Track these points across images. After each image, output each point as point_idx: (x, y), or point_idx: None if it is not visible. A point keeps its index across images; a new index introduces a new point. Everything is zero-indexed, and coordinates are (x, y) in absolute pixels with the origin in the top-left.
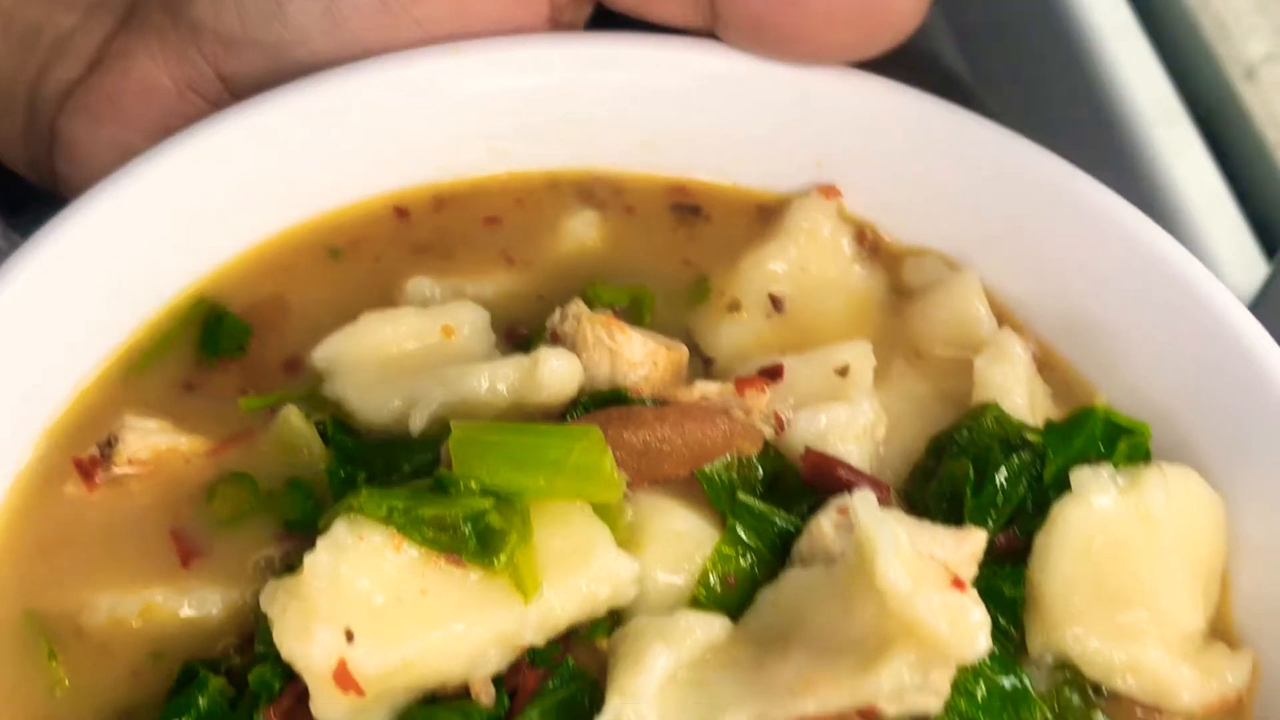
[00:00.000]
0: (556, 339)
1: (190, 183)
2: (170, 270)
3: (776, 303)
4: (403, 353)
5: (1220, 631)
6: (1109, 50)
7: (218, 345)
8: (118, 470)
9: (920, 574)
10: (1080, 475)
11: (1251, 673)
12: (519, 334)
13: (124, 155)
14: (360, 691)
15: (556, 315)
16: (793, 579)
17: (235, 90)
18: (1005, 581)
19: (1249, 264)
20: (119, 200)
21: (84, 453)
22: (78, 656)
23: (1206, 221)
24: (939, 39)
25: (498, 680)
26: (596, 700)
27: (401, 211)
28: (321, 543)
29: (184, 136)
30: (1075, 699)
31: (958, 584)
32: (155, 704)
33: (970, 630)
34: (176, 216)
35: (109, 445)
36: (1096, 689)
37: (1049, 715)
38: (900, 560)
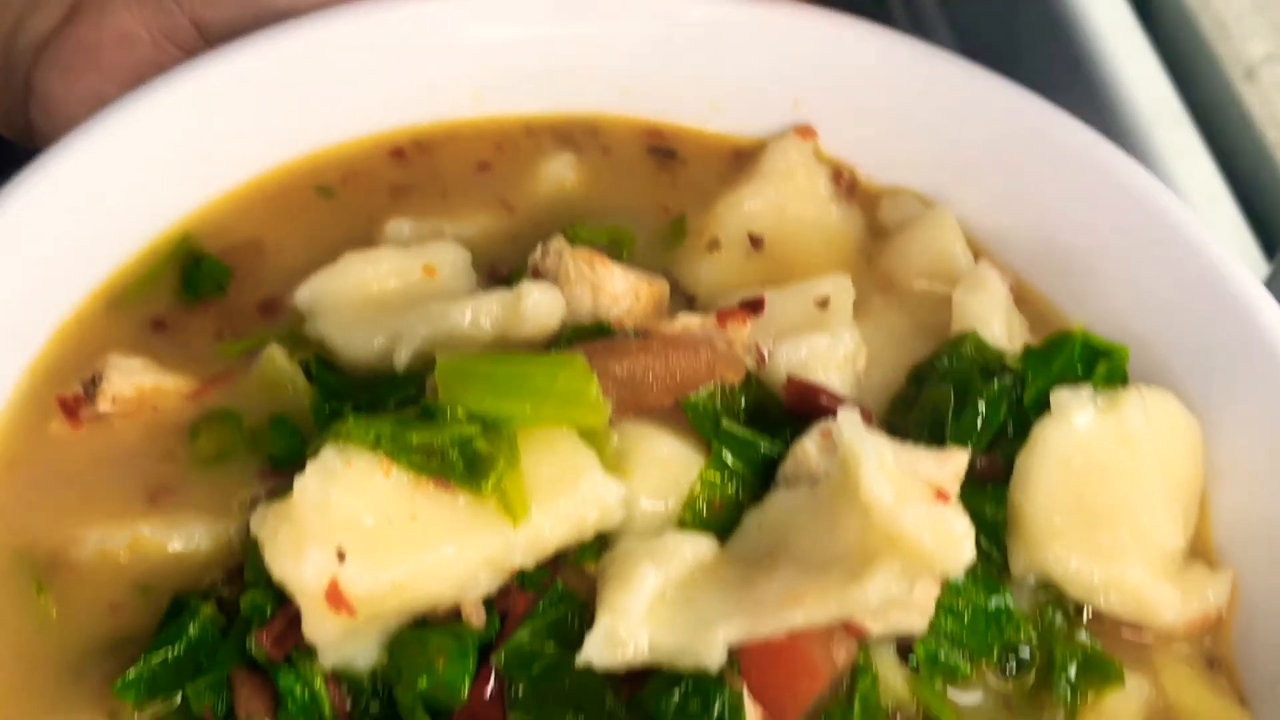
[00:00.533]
0: (538, 275)
1: (168, 127)
2: (150, 212)
3: (755, 242)
4: (385, 291)
5: (1200, 553)
6: (1109, 50)
7: (197, 287)
8: (102, 408)
9: (904, 488)
10: (1060, 396)
11: (1231, 592)
12: (500, 273)
13: (100, 106)
14: (352, 611)
15: (538, 251)
16: (778, 500)
17: (211, 38)
18: (987, 503)
19: (1249, 264)
20: (99, 142)
21: (68, 391)
22: (66, 591)
23: (1206, 221)
24: (938, 36)
25: (488, 603)
26: (586, 621)
27: (380, 155)
28: (310, 467)
29: (162, 81)
30: (1058, 618)
31: (941, 497)
32: (145, 635)
33: (954, 541)
34: (155, 160)
35: (93, 384)
36: (1079, 608)
37: (1032, 635)
38: (884, 474)
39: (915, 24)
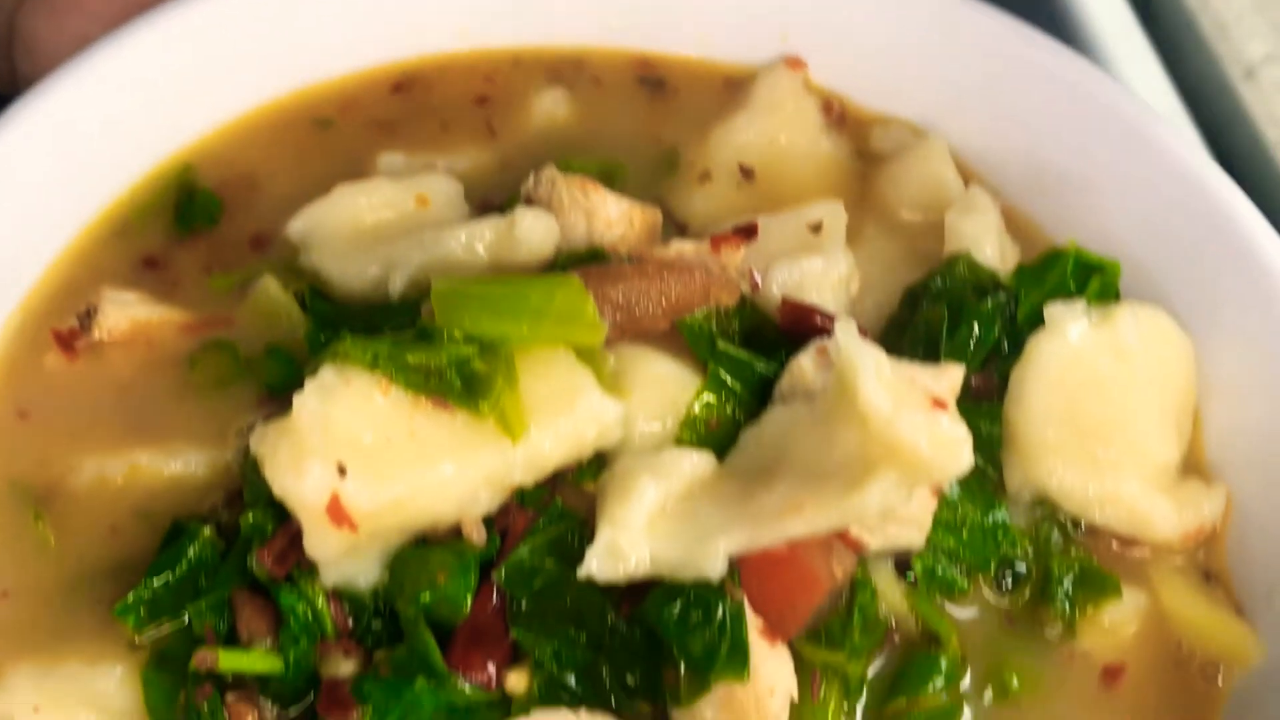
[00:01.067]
0: (531, 204)
1: (157, 62)
2: (141, 146)
3: (746, 173)
4: (378, 222)
5: (1195, 468)
6: (1109, 50)
7: (190, 220)
8: (97, 341)
9: (901, 396)
10: (1054, 310)
11: (1225, 505)
12: (492, 205)
13: (85, 47)
14: (354, 526)
15: (530, 180)
16: (775, 416)
17: None
18: (982, 420)
19: None
20: (89, 78)
21: (63, 325)
22: (64, 519)
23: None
24: None
25: (488, 521)
26: (586, 538)
27: (371, 90)
28: (309, 384)
29: (151, 17)
30: (1054, 533)
31: (938, 404)
32: (145, 560)
33: (952, 447)
34: (146, 94)
35: (88, 316)
36: (1075, 523)
37: (1029, 550)
38: (881, 383)
39: None
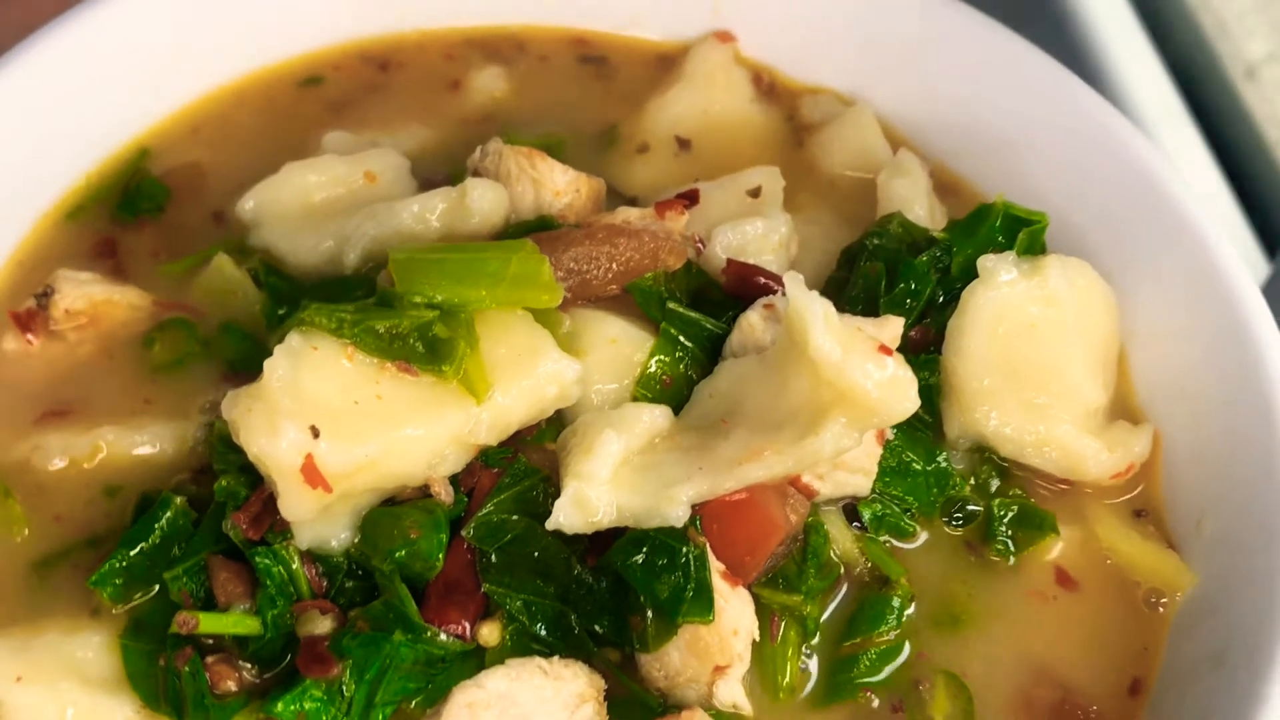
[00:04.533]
0: (478, 175)
1: (98, 49)
2: (89, 132)
3: (683, 143)
4: (328, 198)
5: (1126, 410)
6: (1109, 50)
7: (135, 208)
8: (55, 319)
9: (849, 343)
10: (986, 260)
11: (1153, 443)
12: (436, 181)
13: (26, 34)
14: (328, 487)
15: (477, 153)
16: (727, 369)
17: None
18: (921, 369)
19: (1250, 264)
20: (33, 65)
21: (20, 307)
22: (34, 497)
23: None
24: None
25: (454, 481)
26: (551, 494)
27: (310, 73)
28: (278, 350)
29: (91, 4)
30: (993, 475)
31: (884, 350)
32: (117, 533)
33: (899, 389)
34: (90, 80)
35: (45, 296)
36: (1012, 466)
37: (968, 491)
38: (830, 331)
39: None
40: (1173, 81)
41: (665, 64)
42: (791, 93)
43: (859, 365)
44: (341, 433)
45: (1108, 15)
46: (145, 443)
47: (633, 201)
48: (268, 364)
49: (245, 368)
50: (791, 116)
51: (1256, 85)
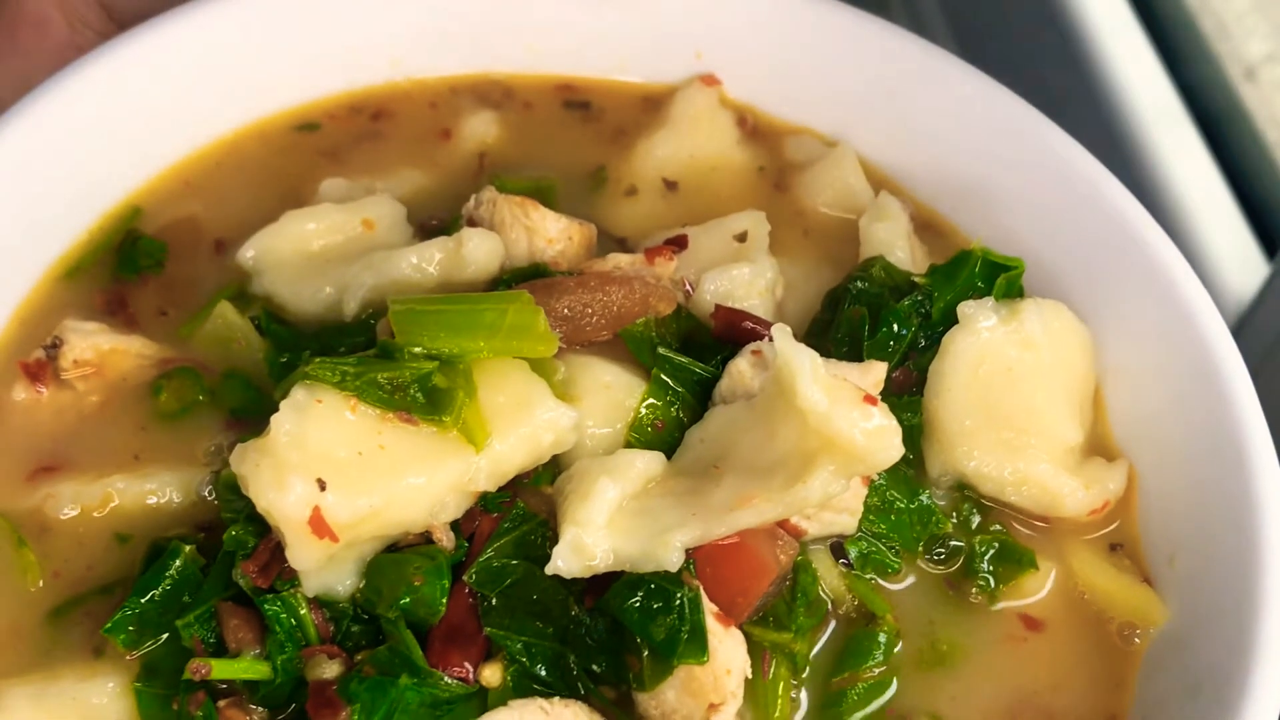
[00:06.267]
0: (473, 224)
1: (98, 105)
2: (89, 190)
3: (670, 185)
4: (327, 246)
5: (1102, 448)
6: (1109, 50)
7: (134, 266)
8: (64, 369)
9: (835, 393)
10: (966, 307)
11: (1128, 480)
12: (433, 226)
13: (25, 86)
14: (335, 537)
15: (471, 202)
16: (717, 416)
17: (120, 20)
18: (904, 411)
19: (1249, 264)
20: (34, 121)
21: (29, 357)
22: (46, 545)
23: (1206, 221)
24: (938, 38)
25: (455, 526)
26: (549, 537)
27: (307, 122)
28: (284, 405)
29: (87, 60)
30: (973, 513)
31: (869, 400)
32: (128, 580)
33: (885, 438)
34: (89, 137)
35: (53, 347)
36: (992, 504)
37: (950, 528)
38: (817, 381)
39: (915, 25)
40: (1172, 82)
41: (650, 105)
42: (775, 133)
43: (845, 415)
44: (347, 484)
45: (1107, 15)
46: (154, 491)
47: (622, 242)
48: (274, 419)
49: (249, 414)
50: (775, 157)
51: (1256, 86)
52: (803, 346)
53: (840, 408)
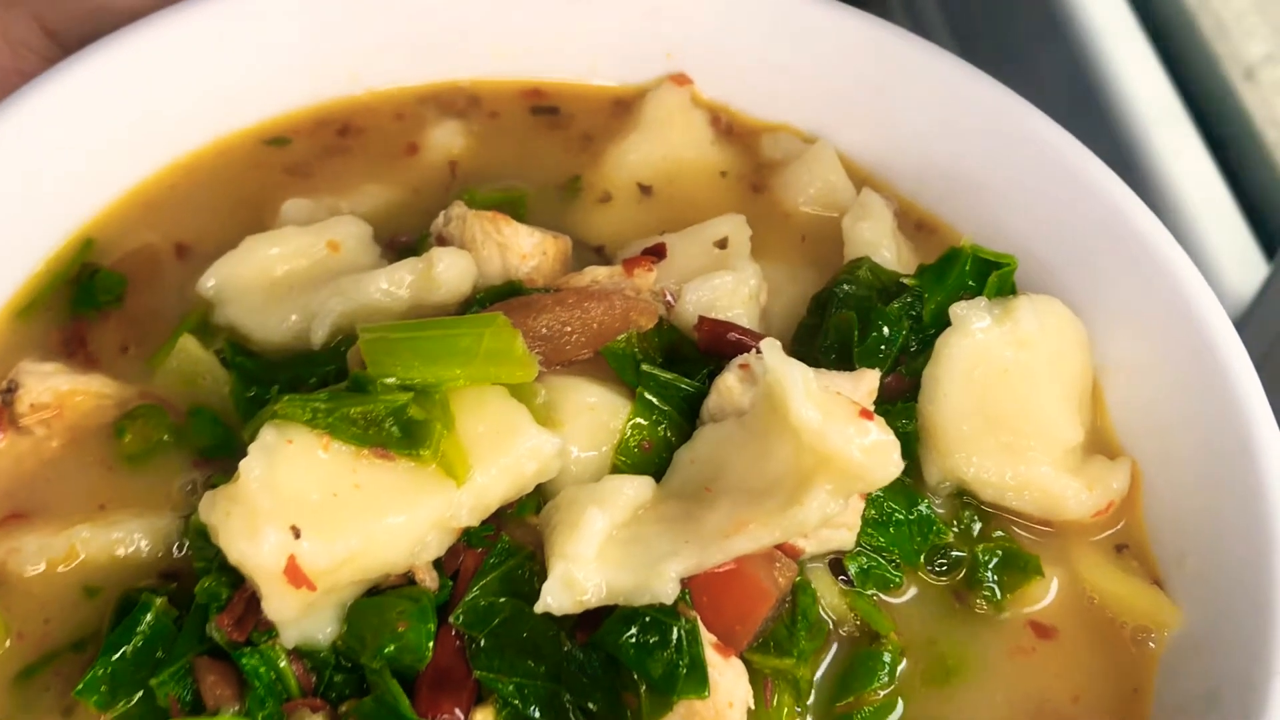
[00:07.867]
0: (443, 241)
1: (39, 135)
2: (41, 223)
3: (645, 189)
4: (291, 271)
5: (1104, 445)
6: (1109, 50)
7: (93, 300)
8: (22, 416)
9: (829, 409)
10: (958, 308)
11: (1131, 478)
12: (401, 243)
13: None
14: (312, 586)
15: (440, 219)
16: (707, 435)
17: (64, 44)
18: (898, 418)
19: (1249, 264)
20: None
21: None
22: (11, 601)
23: (1206, 221)
24: (937, 38)
25: (438, 565)
26: (536, 571)
27: (267, 141)
28: (252, 449)
29: (33, 87)
30: (975, 520)
31: (865, 414)
32: (99, 636)
33: (883, 453)
34: (37, 168)
35: (9, 392)
36: (993, 509)
37: (952, 537)
38: (810, 398)
39: (915, 25)
40: (1172, 82)
41: (620, 109)
42: (751, 131)
43: (841, 432)
44: (323, 529)
45: (1107, 15)
46: (121, 541)
47: (599, 250)
48: (243, 465)
49: (217, 454)
50: (752, 156)
51: (1255, 86)
52: (793, 361)
53: (835, 424)
